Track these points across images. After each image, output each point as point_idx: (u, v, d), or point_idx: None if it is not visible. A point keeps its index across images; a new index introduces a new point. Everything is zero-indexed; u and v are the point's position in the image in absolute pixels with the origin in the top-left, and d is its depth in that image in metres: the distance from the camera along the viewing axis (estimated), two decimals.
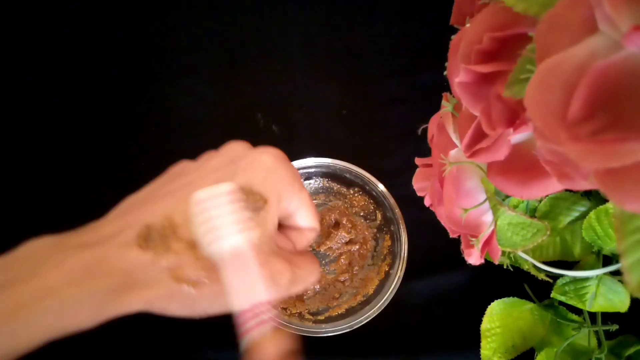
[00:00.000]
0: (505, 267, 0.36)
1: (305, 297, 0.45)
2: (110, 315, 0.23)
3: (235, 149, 0.30)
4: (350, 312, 0.44)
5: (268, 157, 0.28)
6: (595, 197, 0.38)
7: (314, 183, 0.50)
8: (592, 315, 0.39)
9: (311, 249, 0.48)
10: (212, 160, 0.29)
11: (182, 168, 0.30)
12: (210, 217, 0.24)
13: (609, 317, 0.38)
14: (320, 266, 0.31)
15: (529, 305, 0.41)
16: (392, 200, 0.46)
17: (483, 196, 0.27)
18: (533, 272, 0.37)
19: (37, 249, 0.24)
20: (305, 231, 0.31)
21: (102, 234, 0.25)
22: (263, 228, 0.26)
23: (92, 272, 0.23)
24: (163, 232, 0.25)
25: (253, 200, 0.27)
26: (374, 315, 0.42)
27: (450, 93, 0.27)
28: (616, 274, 0.37)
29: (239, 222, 0.24)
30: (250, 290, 0.25)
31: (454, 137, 0.27)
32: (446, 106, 0.28)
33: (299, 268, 0.28)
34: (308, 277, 0.29)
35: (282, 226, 0.31)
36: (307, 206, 0.30)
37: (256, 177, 0.27)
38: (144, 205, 0.27)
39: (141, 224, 0.25)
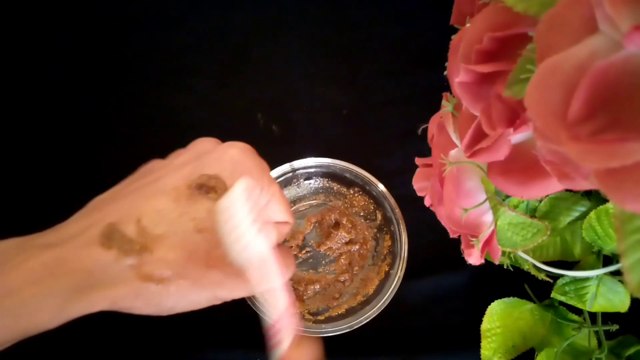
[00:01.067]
0: (505, 267, 0.36)
1: (305, 297, 0.45)
2: (73, 315, 0.23)
3: (203, 145, 0.30)
4: (350, 312, 0.44)
5: (235, 150, 0.28)
6: (595, 197, 0.38)
7: (314, 183, 0.50)
8: (592, 316, 0.39)
9: (311, 249, 0.48)
10: (180, 156, 0.29)
11: (151, 166, 0.29)
12: (231, 227, 0.24)
13: (609, 317, 0.38)
14: (294, 259, 0.31)
15: (529, 305, 0.41)
16: (392, 200, 0.46)
17: (483, 196, 0.27)
18: (533, 272, 0.37)
19: (1, 251, 0.24)
20: (278, 225, 0.30)
21: (65, 234, 0.25)
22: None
23: (53, 271, 0.23)
24: (127, 231, 0.24)
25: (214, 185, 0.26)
26: (374, 315, 0.42)
27: (450, 93, 0.27)
28: (616, 274, 0.37)
29: (256, 222, 0.24)
30: (276, 294, 0.24)
31: (454, 137, 0.27)
32: (446, 106, 0.28)
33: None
34: (284, 272, 0.28)
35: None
36: (278, 199, 0.29)
37: (223, 171, 0.27)
38: (108, 204, 0.26)
39: (105, 223, 0.24)
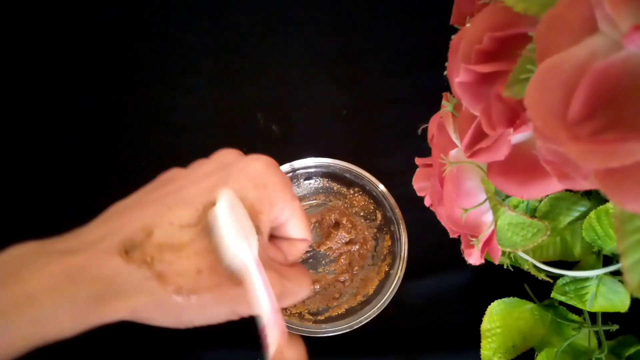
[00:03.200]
0: (505, 267, 0.36)
1: (305, 297, 0.45)
2: (93, 324, 0.23)
3: (227, 156, 0.29)
4: (350, 312, 0.44)
5: (260, 164, 0.27)
6: (595, 197, 0.38)
7: (314, 183, 0.50)
8: (592, 315, 0.39)
9: (311, 249, 0.48)
10: (202, 166, 0.29)
11: (172, 175, 0.29)
12: (218, 239, 0.24)
13: (609, 317, 0.38)
14: (311, 279, 0.31)
15: (529, 305, 0.41)
16: (392, 200, 0.46)
17: (483, 196, 0.27)
18: (533, 272, 0.37)
19: (19, 255, 0.23)
20: (296, 242, 0.30)
21: (86, 240, 0.24)
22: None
23: (74, 278, 0.22)
24: (148, 240, 0.24)
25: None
26: (374, 315, 0.42)
27: (450, 93, 0.27)
28: (616, 274, 0.37)
29: (240, 233, 0.24)
30: (271, 294, 0.24)
31: (454, 137, 0.27)
32: (446, 106, 0.28)
33: (290, 281, 0.27)
34: (298, 291, 0.28)
35: (272, 237, 0.30)
36: (299, 216, 0.29)
37: (248, 184, 0.26)
38: (130, 211, 0.26)
39: (127, 231, 0.24)
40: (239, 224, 0.24)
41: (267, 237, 0.27)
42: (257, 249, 0.24)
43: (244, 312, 0.25)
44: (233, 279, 0.24)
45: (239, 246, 0.23)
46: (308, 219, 0.30)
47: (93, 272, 0.23)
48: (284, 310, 0.44)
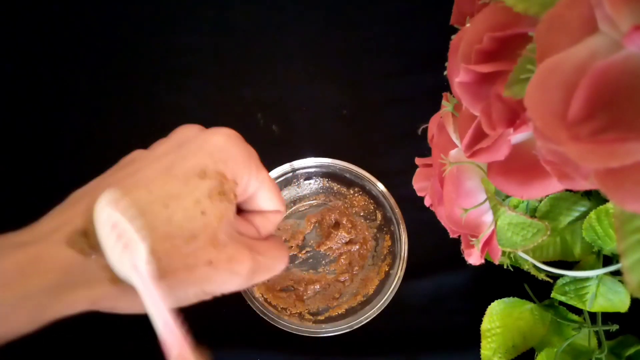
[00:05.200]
0: (505, 267, 0.36)
1: (305, 297, 0.45)
2: (51, 318, 0.22)
3: (185, 132, 0.28)
4: (350, 312, 0.44)
5: (220, 137, 0.26)
6: (595, 197, 0.38)
7: (314, 183, 0.50)
8: (592, 315, 0.39)
9: (311, 249, 0.48)
10: (161, 145, 0.27)
11: (132, 157, 0.28)
12: (108, 245, 0.22)
13: (609, 317, 0.38)
14: (288, 251, 0.29)
15: (529, 305, 0.41)
16: (392, 200, 0.46)
17: (483, 196, 0.27)
18: (533, 272, 0.37)
19: None
20: (269, 214, 0.29)
21: (40, 232, 0.23)
22: (220, 212, 0.24)
23: (26, 272, 0.21)
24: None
25: (219, 183, 0.25)
26: (374, 315, 0.42)
27: (450, 93, 0.27)
28: (616, 274, 0.37)
29: (120, 240, 0.22)
30: (162, 310, 0.22)
31: (454, 137, 0.27)
32: (446, 106, 0.28)
33: (262, 255, 0.26)
34: (274, 265, 0.27)
35: (243, 211, 0.28)
36: (268, 186, 0.28)
37: (207, 159, 0.25)
38: (85, 198, 0.24)
39: (81, 220, 0.23)
40: (121, 235, 0.22)
41: (232, 211, 0.26)
42: (144, 261, 0.22)
43: (215, 291, 0.24)
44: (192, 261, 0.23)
45: (121, 262, 0.22)
46: (278, 190, 0.29)
47: (47, 264, 0.22)
48: (284, 310, 0.44)
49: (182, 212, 0.24)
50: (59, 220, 0.24)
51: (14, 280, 0.21)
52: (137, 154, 0.28)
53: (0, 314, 0.21)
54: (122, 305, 0.23)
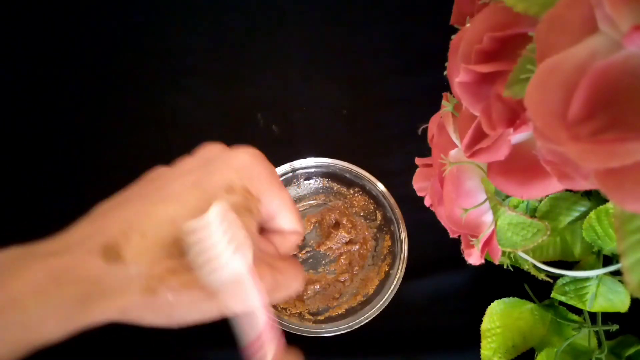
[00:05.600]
0: (505, 267, 0.36)
1: (305, 297, 0.45)
2: (81, 326, 0.22)
3: (210, 150, 0.28)
4: (350, 312, 0.44)
5: (245, 156, 0.27)
6: (595, 197, 0.38)
7: (314, 183, 0.50)
8: (592, 315, 0.39)
9: (311, 249, 0.48)
10: (186, 163, 0.28)
11: (156, 173, 0.28)
12: (205, 248, 0.23)
13: (609, 317, 0.38)
14: (304, 273, 0.30)
15: (529, 305, 0.41)
16: (392, 200, 0.46)
17: (483, 196, 0.27)
18: (533, 272, 0.37)
19: (1, 259, 0.23)
20: (288, 235, 0.29)
21: (69, 242, 0.24)
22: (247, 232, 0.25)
23: (59, 280, 0.22)
24: (133, 239, 0.23)
25: (244, 199, 0.25)
26: (374, 315, 0.42)
27: (450, 93, 0.27)
28: (616, 274, 0.37)
29: (232, 243, 0.23)
30: (254, 316, 0.23)
31: (454, 137, 0.27)
32: (446, 106, 0.28)
33: (281, 274, 0.27)
34: (291, 284, 0.28)
35: (263, 230, 0.29)
36: (289, 207, 0.28)
37: (234, 175, 0.26)
38: (113, 211, 0.25)
39: (111, 230, 0.23)
40: (232, 233, 0.23)
41: (256, 229, 0.26)
42: (251, 259, 0.23)
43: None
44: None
45: (232, 265, 0.23)
46: (298, 211, 0.29)
47: (78, 273, 0.22)
48: (284, 310, 0.44)
49: None
50: (88, 231, 0.24)
51: (46, 288, 0.21)
52: (161, 170, 0.28)
53: (33, 319, 0.21)
54: (149, 316, 0.23)
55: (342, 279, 0.46)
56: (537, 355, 0.39)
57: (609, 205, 0.35)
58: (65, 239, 0.24)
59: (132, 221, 0.24)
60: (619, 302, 0.37)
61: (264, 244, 0.28)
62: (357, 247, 0.47)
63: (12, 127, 0.53)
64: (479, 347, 0.40)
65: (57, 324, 0.22)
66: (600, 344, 0.39)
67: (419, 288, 0.46)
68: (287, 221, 0.29)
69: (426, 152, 0.32)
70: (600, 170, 0.14)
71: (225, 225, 0.23)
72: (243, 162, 0.27)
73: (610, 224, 0.35)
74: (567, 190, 0.38)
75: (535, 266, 0.37)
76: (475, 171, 0.27)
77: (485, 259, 0.30)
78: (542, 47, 0.16)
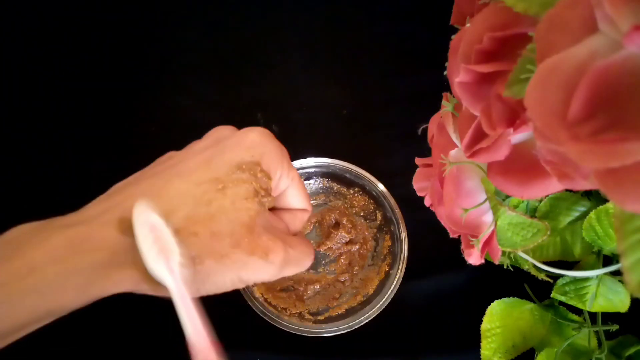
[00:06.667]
0: (505, 267, 0.36)
1: (305, 297, 0.45)
2: (98, 295, 0.22)
3: (220, 131, 0.29)
4: (350, 312, 0.44)
5: (255, 134, 0.28)
6: (595, 197, 0.38)
7: (314, 183, 0.50)
8: (592, 315, 0.39)
9: None
10: (197, 143, 0.29)
11: (169, 155, 0.29)
12: (147, 251, 0.23)
13: (609, 317, 0.38)
14: (314, 250, 0.31)
15: (529, 305, 0.41)
16: (392, 200, 0.46)
17: (483, 196, 0.27)
18: (533, 272, 0.37)
19: (20, 233, 0.24)
20: (297, 212, 0.30)
21: (87, 215, 0.25)
22: (259, 204, 0.26)
23: (77, 248, 0.22)
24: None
25: (255, 177, 0.26)
26: (374, 315, 0.42)
27: (450, 93, 0.27)
28: (616, 274, 0.37)
29: (168, 246, 0.23)
30: (195, 319, 0.23)
31: (454, 137, 0.27)
32: (446, 106, 0.28)
33: (293, 249, 0.27)
34: (302, 259, 0.28)
35: (274, 208, 0.30)
36: (297, 185, 0.29)
37: (245, 153, 0.27)
38: (129, 187, 0.26)
39: (127, 204, 0.24)
40: (158, 238, 0.23)
41: (269, 205, 0.27)
42: (178, 265, 0.23)
43: (249, 279, 0.25)
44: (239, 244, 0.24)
45: (156, 265, 0.23)
46: (306, 189, 0.30)
47: (95, 243, 0.23)
48: (284, 310, 0.44)
49: (222, 201, 0.25)
50: (106, 205, 0.25)
51: (64, 255, 0.22)
52: (174, 152, 0.30)
53: (51, 285, 0.21)
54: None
55: (342, 279, 0.46)
56: (537, 355, 0.39)
57: (609, 205, 0.35)
58: (82, 213, 0.25)
59: (147, 195, 0.25)
60: (619, 302, 0.37)
61: (276, 222, 0.29)
62: (357, 247, 0.47)
63: (12, 127, 0.53)
64: (479, 347, 0.40)
65: (75, 292, 0.22)
66: (600, 344, 0.39)
67: (419, 288, 0.46)
68: (296, 199, 0.30)
69: (426, 152, 0.32)
70: (600, 170, 0.14)
71: (151, 223, 0.23)
72: (254, 141, 0.27)
73: (610, 224, 0.35)
74: (567, 190, 0.38)
75: (535, 266, 0.37)
76: (475, 171, 0.27)
77: (485, 259, 0.30)
78: (542, 47, 0.16)
